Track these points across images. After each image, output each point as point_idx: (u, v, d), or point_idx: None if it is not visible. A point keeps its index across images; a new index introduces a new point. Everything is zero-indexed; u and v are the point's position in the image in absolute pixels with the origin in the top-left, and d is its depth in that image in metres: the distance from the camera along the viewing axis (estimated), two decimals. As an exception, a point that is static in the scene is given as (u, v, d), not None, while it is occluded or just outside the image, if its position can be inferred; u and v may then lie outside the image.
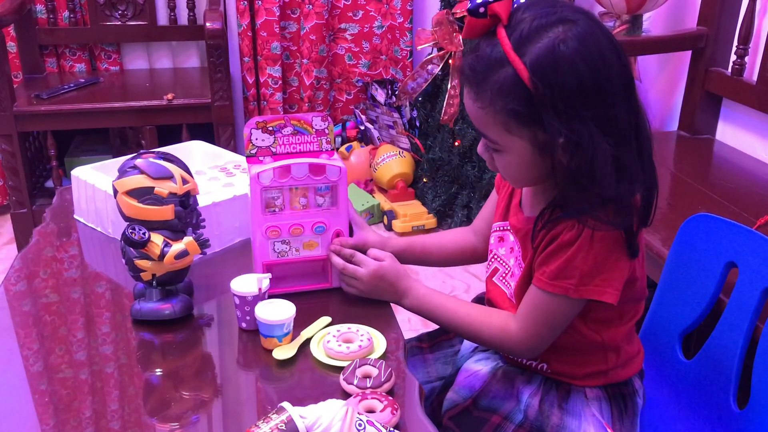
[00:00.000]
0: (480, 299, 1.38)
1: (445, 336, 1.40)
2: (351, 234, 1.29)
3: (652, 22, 2.52)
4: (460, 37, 2.68)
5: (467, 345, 1.32)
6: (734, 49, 2.19)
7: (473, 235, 1.38)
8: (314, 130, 1.25)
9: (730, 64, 2.21)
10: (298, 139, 1.25)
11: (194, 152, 1.68)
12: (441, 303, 1.24)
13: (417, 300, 1.24)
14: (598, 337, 1.15)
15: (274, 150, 1.24)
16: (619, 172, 1.00)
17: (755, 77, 2.11)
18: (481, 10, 0.99)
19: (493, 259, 1.26)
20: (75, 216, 1.56)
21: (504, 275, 1.23)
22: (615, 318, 1.16)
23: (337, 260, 1.25)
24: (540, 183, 1.11)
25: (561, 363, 1.18)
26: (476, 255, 1.38)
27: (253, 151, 1.24)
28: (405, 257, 1.32)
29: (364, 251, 1.27)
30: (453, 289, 2.57)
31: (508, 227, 1.21)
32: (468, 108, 1.06)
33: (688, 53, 2.33)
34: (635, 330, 1.23)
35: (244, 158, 1.51)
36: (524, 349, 1.15)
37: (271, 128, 1.23)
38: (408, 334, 1.38)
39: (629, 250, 1.05)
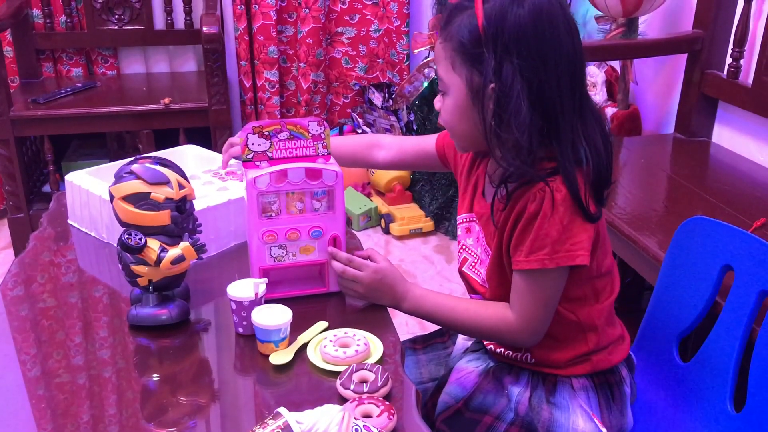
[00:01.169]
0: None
1: (438, 338, 1.41)
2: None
3: (648, 25, 2.52)
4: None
5: (459, 346, 1.33)
6: (730, 51, 2.20)
7: (381, 146, 1.48)
8: (310, 134, 1.25)
9: (726, 66, 2.22)
10: (295, 144, 1.25)
11: (188, 156, 1.68)
12: (439, 302, 1.25)
13: (415, 302, 1.25)
14: (573, 316, 1.17)
15: (270, 155, 1.25)
16: (558, 143, 1.08)
17: (751, 80, 2.11)
18: None
19: (461, 250, 1.29)
20: (69, 221, 1.56)
21: (474, 264, 1.26)
22: (590, 296, 1.18)
23: (336, 264, 1.26)
24: (475, 146, 1.20)
25: (543, 350, 1.19)
26: (370, 157, 1.50)
27: (250, 156, 1.24)
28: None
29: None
30: (451, 292, 2.57)
31: (474, 218, 1.25)
32: (434, 50, 1.19)
33: (684, 56, 2.33)
34: (615, 312, 1.25)
35: (238, 162, 1.52)
36: (526, 336, 1.17)
37: (267, 133, 1.23)
38: (405, 338, 1.39)
39: (584, 213, 1.09)
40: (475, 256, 1.26)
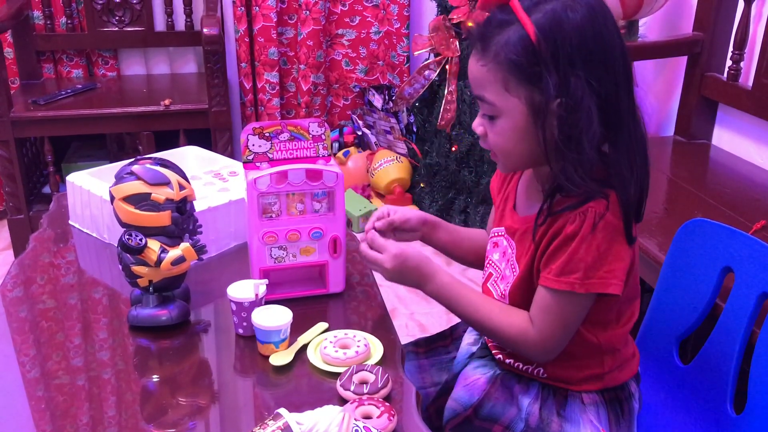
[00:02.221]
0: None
1: (441, 342, 1.40)
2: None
3: (648, 28, 2.53)
4: (457, 43, 2.69)
5: (463, 351, 1.31)
6: (730, 54, 2.20)
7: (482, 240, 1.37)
8: (311, 135, 1.25)
9: (726, 69, 2.22)
10: (295, 145, 1.25)
11: (189, 157, 1.68)
12: (465, 294, 1.19)
13: (440, 286, 1.20)
14: (595, 339, 1.15)
15: (271, 156, 1.25)
16: (616, 146, 1.04)
17: (751, 82, 2.11)
18: None
19: (488, 265, 1.25)
20: (70, 222, 1.56)
21: (496, 279, 1.22)
22: (613, 320, 1.16)
23: (363, 247, 1.23)
24: (529, 164, 1.13)
25: (558, 368, 1.18)
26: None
27: (250, 157, 1.24)
28: (425, 231, 1.31)
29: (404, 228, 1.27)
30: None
31: (503, 232, 1.21)
32: (471, 70, 1.08)
33: (684, 58, 2.34)
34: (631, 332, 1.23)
35: (238, 163, 1.52)
36: (541, 351, 1.14)
37: (267, 134, 1.23)
38: (405, 339, 1.38)
39: (628, 237, 1.06)
40: (498, 271, 1.22)
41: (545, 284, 1.09)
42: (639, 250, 1.60)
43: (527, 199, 1.17)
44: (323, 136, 1.26)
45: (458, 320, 1.45)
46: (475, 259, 1.35)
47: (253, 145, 1.23)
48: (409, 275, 1.20)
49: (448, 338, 1.41)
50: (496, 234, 1.24)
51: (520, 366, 1.21)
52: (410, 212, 1.29)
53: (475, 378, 1.23)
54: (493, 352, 1.25)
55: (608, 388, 1.20)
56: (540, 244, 1.10)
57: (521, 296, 1.15)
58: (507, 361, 1.22)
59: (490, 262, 1.25)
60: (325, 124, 1.27)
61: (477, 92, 1.08)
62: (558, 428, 1.15)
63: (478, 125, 1.12)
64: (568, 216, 1.05)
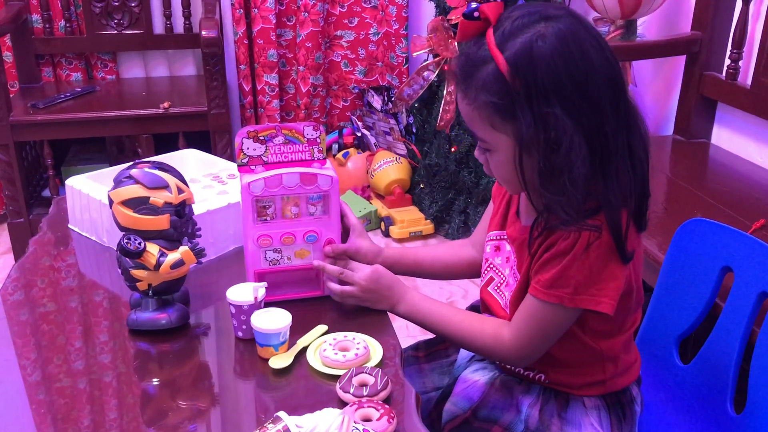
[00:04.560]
0: (476, 308, 1.38)
1: (441, 345, 1.39)
2: (344, 241, 1.29)
3: (647, 27, 2.53)
4: (456, 44, 2.69)
5: (464, 354, 1.31)
6: (728, 53, 2.20)
7: (471, 247, 1.37)
8: (306, 139, 1.25)
9: (725, 68, 2.22)
10: (290, 149, 1.25)
11: (188, 160, 1.69)
12: (435, 309, 1.23)
13: (412, 306, 1.23)
14: (596, 347, 1.15)
15: (265, 159, 1.25)
16: (606, 178, 1.01)
17: (749, 81, 2.11)
18: (476, 14, 1.02)
19: (488, 269, 1.25)
20: (69, 225, 1.56)
21: (499, 285, 1.22)
22: (615, 330, 1.16)
23: (331, 268, 1.24)
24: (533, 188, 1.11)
25: (559, 373, 1.18)
26: (473, 268, 1.35)
27: (245, 161, 1.24)
28: (397, 268, 1.30)
29: (355, 259, 1.27)
30: (450, 295, 2.57)
31: (505, 236, 1.21)
32: (460, 107, 1.08)
33: (683, 58, 2.34)
34: (632, 337, 1.23)
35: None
36: (515, 357, 1.15)
37: (262, 138, 1.23)
38: (405, 341, 1.38)
39: (622, 257, 1.05)
40: (501, 277, 1.21)
41: (534, 294, 1.09)
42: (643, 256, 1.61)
43: (529, 206, 1.16)
44: (318, 140, 1.26)
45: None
46: (443, 270, 1.38)
47: (248, 148, 1.23)
48: (383, 294, 1.22)
49: (445, 340, 1.41)
50: (496, 237, 1.24)
51: (521, 371, 1.21)
52: (360, 242, 1.29)
53: (474, 380, 1.23)
54: None
55: (610, 393, 1.19)
56: (534, 255, 1.10)
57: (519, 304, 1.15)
58: (508, 366, 1.22)
59: (492, 265, 1.24)
60: (320, 127, 1.27)
61: (469, 127, 1.09)
62: (558, 431, 1.15)
63: (479, 155, 1.12)
64: (563, 231, 1.04)
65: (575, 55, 0.97)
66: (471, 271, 1.37)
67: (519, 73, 0.97)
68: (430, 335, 1.40)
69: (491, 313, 1.24)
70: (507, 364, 1.20)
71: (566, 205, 1.01)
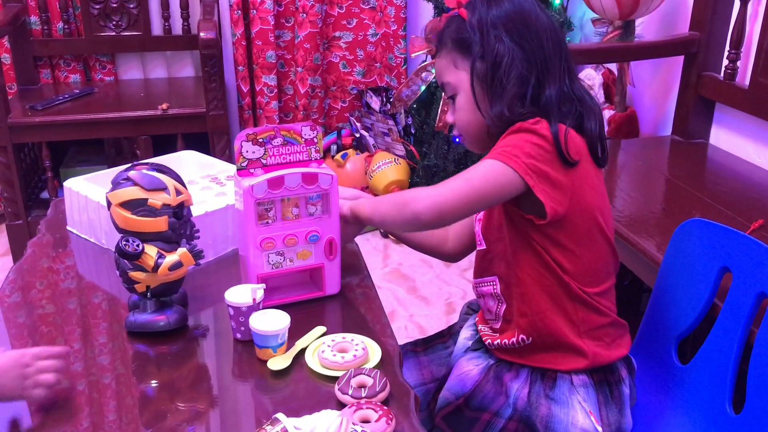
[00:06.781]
0: (474, 307, 1.39)
1: (439, 339, 1.41)
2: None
3: (645, 28, 2.53)
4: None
5: (460, 345, 1.33)
6: (726, 53, 2.20)
7: (445, 230, 1.41)
8: (303, 139, 1.25)
9: (723, 68, 2.22)
10: (288, 150, 1.25)
11: (186, 162, 1.69)
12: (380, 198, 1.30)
13: (371, 204, 1.28)
14: (562, 274, 1.16)
15: (264, 161, 1.24)
16: (541, 87, 1.17)
17: (747, 82, 2.11)
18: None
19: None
20: (68, 227, 1.56)
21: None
22: (570, 243, 1.17)
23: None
24: (487, 138, 1.20)
25: (531, 318, 1.19)
26: (443, 248, 1.42)
27: (244, 164, 1.24)
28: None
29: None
30: (450, 296, 2.57)
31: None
32: (435, 69, 1.28)
33: (681, 58, 2.34)
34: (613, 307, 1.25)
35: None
36: (427, 200, 1.16)
37: (261, 140, 1.23)
38: (404, 341, 1.39)
39: (561, 159, 1.13)
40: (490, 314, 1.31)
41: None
42: (637, 249, 1.61)
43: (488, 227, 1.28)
44: (315, 140, 1.26)
45: (455, 320, 1.46)
46: (428, 245, 1.43)
47: (247, 151, 1.23)
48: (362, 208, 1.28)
49: (446, 334, 1.43)
50: (479, 284, 1.32)
51: (506, 342, 1.23)
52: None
53: (468, 369, 1.26)
54: (482, 336, 1.29)
55: (596, 369, 1.21)
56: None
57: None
58: (495, 342, 1.25)
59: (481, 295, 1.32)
60: (317, 127, 1.27)
61: (440, 81, 1.26)
62: (546, 411, 1.18)
63: (448, 115, 1.26)
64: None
65: (524, 4, 1.19)
66: (441, 250, 1.44)
67: (474, 10, 1.19)
68: (429, 335, 1.41)
69: (486, 306, 1.29)
70: (415, 213, 1.17)
71: (511, 105, 1.15)
